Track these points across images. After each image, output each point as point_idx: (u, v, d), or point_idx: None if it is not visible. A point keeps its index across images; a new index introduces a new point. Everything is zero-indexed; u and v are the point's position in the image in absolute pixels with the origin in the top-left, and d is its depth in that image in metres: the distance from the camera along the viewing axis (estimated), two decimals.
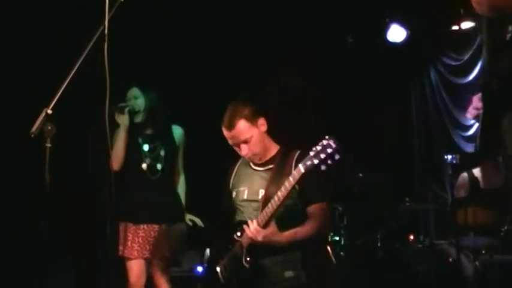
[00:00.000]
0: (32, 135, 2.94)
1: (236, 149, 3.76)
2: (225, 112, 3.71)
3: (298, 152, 3.72)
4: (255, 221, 3.47)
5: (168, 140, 5.09)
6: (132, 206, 4.93)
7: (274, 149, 3.84)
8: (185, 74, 6.82)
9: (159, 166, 5.00)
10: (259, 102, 3.77)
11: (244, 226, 3.52)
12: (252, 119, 3.68)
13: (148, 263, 5.04)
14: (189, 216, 5.24)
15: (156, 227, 4.96)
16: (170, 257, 5.05)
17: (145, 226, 4.94)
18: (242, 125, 3.65)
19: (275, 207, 3.42)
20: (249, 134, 3.67)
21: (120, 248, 4.94)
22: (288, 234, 3.56)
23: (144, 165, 4.97)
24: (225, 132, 3.70)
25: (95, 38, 3.08)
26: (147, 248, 4.94)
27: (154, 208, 4.94)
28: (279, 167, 3.70)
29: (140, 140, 5.03)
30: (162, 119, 5.10)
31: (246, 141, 3.68)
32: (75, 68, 3.04)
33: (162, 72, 6.30)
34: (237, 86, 6.65)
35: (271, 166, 3.75)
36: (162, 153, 5.03)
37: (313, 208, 3.67)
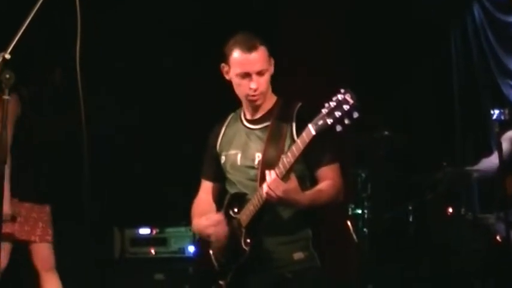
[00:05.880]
0: None
1: (243, 82, 3.66)
2: (237, 37, 3.68)
3: (299, 104, 3.67)
4: (273, 172, 3.36)
5: None
6: None
7: (272, 99, 3.77)
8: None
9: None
10: None
11: (266, 172, 3.39)
12: (269, 53, 3.67)
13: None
14: None
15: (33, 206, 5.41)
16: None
17: (27, 204, 5.40)
18: (263, 51, 3.63)
19: (280, 177, 3.35)
20: (266, 65, 3.64)
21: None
22: (311, 194, 3.49)
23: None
24: (241, 56, 3.62)
25: None
26: (25, 229, 5.39)
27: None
28: (277, 123, 3.64)
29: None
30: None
31: (260, 73, 3.63)
32: (38, 4, 3.08)
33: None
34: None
35: (267, 123, 3.68)
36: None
37: (325, 170, 3.60)
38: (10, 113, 5.26)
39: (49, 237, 5.49)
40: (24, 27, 3.04)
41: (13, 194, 5.27)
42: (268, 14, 7.39)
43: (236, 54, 3.63)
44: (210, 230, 3.65)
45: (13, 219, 5.24)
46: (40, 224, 5.40)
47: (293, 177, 3.37)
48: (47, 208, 5.49)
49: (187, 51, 7.29)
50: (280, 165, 3.35)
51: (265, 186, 3.36)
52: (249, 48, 3.61)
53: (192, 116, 6.94)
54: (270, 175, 3.36)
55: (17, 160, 5.31)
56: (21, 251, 5.46)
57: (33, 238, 5.38)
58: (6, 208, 5.12)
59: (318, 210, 3.63)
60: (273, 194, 3.34)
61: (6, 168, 5.19)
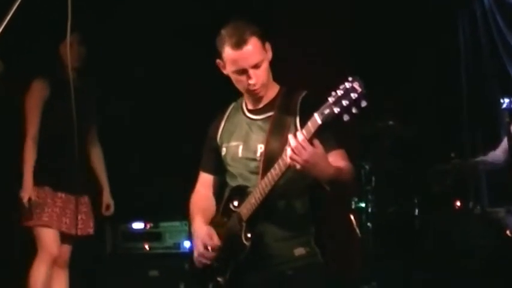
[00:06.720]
0: None
1: (240, 78, 3.60)
2: (225, 32, 3.60)
3: (304, 93, 3.60)
4: (299, 133, 3.23)
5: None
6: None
7: (274, 89, 3.71)
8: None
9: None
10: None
11: (290, 136, 3.27)
12: (262, 40, 3.58)
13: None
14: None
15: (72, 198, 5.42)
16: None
17: (63, 195, 5.45)
18: (255, 42, 3.54)
19: (280, 174, 3.32)
20: (260, 57, 3.55)
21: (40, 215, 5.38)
22: (336, 167, 3.38)
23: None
24: (232, 53, 3.55)
25: None
26: (63, 220, 5.44)
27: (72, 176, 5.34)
28: (280, 113, 3.59)
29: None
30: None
31: (256, 66, 3.55)
32: None
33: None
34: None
35: (270, 113, 3.63)
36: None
37: (334, 155, 3.48)
38: (32, 99, 5.28)
39: (91, 230, 5.60)
40: (13, 10, 2.88)
41: (45, 184, 5.38)
42: (268, 14, 7.36)
43: (227, 51, 3.57)
44: (200, 250, 3.65)
45: (29, 205, 5.29)
46: (80, 217, 5.46)
47: (317, 143, 3.24)
48: (86, 199, 5.57)
49: (187, 51, 7.30)
50: (280, 161, 3.32)
51: (289, 150, 3.23)
52: (238, 43, 3.53)
53: (188, 112, 7.04)
54: (295, 138, 3.22)
55: (49, 149, 5.42)
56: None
57: (73, 231, 5.38)
58: (27, 192, 5.31)
59: (321, 204, 3.61)
60: (298, 158, 3.20)
61: (28, 154, 5.26)
